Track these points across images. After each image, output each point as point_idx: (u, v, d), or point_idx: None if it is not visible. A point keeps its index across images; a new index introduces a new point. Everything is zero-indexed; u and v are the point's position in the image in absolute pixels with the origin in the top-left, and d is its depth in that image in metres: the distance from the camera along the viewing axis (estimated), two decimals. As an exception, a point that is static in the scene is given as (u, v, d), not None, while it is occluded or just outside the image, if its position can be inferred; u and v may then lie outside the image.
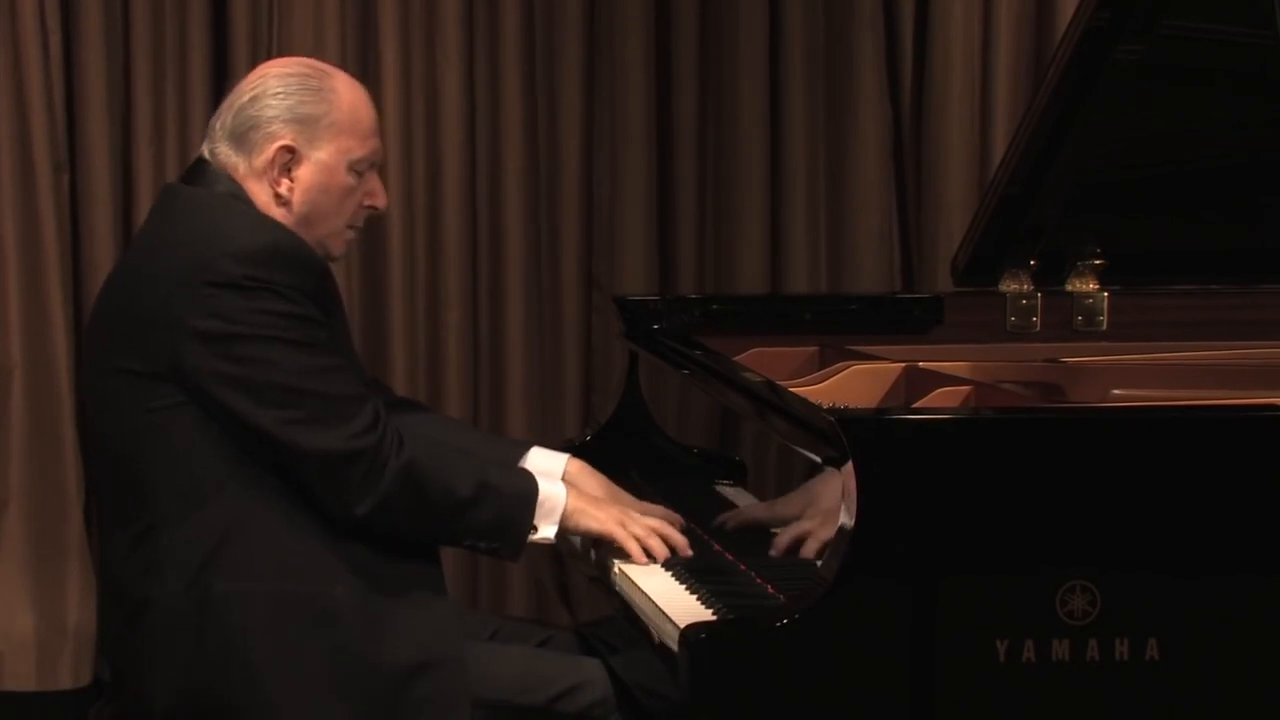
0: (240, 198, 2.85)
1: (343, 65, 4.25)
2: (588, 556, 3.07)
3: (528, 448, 3.20)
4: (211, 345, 2.73)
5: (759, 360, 3.48)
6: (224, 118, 2.90)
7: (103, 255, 4.57)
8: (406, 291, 4.72)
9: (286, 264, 2.78)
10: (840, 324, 3.77)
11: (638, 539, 2.96)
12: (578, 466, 3.16)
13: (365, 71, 4.62)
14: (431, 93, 4.72)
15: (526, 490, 2.93)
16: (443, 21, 4.70)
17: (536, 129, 4.79)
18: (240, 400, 2.74)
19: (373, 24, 4.67)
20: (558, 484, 2.98)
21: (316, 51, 4.43)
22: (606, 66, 4.83)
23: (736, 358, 3.40)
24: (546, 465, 3.15)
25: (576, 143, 4.82)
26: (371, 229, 4.62)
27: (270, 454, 2.78)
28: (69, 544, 4.61)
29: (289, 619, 2.77)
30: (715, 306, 3.87)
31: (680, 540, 2.99)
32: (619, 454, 3.63)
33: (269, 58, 4.55)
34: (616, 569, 2.95)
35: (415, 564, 2.89)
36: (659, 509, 3.14)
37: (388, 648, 2.80)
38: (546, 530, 2.94)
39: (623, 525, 2.98)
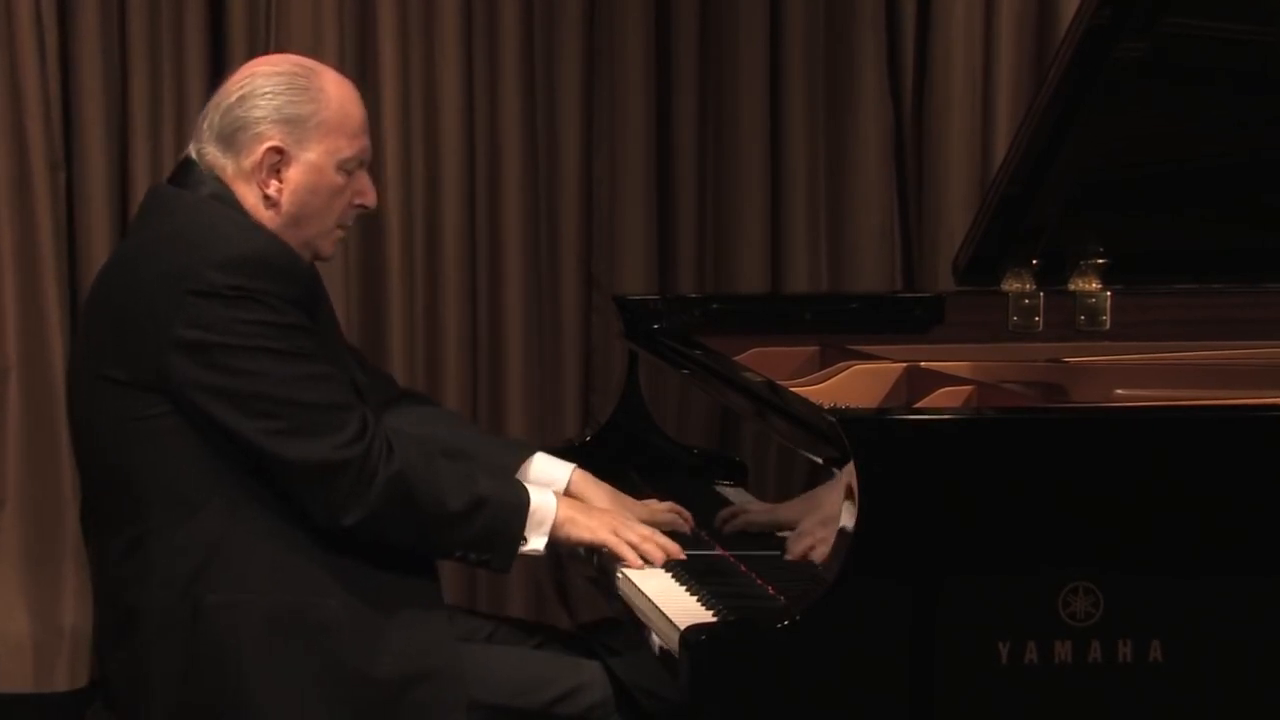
0: (226, 200, 2.83)
1: (340, 64, 4.26)
2: (589, 560, 3.06)
3: (532, 452, 3.18)
4: (195, 356, 2.71)
5: (759, 360, 3.47)
6: (211, 118, 2.87)
7: (99, 254, 4.56)
8: (405, 291, 4.70)
9: (271, 272, 2.74)
10: (841, 324, 3.76)
11: (633, 545, 2.94)
12: (581, 475, 3.14)
13: (363, 71, 4.61)
14: (430, 92, 4.70)
15: (518, 501, 2.89)
16: (441, 20, 4.68)
17: (536, 128, 4.78)
18: (225, 411, 2.71)
19: (371, 23, 4.66)
20: (547, 494, 2.94)
21: (314, 51, 4.41)
22: (606, 66, 4.81)
23: (737, 358, 3.39)
24: (551, 473, 3.14)
25: (576, 143, 4.81)
26: (370, 228, 4.61)
27: (257, 465, 2.75)
28: (65, 545, 4.60)
29: (281, 631, 2.75)
30: (715, 306, 3.86)
31: (674, 547, 2.97)
32: (619, 454, 3.62)
33: (266, 55, 4.54)
34: (620, 573, 2.94)
35: (410, 575, 2.86)
36: (665, 506, 3.13)
37: (381, 660, 2.77)
38: (536, 542, 2.91)
39: (615, 533, 2.95)
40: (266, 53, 4.54)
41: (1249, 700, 2.66)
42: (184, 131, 4.58)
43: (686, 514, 3.15)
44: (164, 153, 4.59)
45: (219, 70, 4.59)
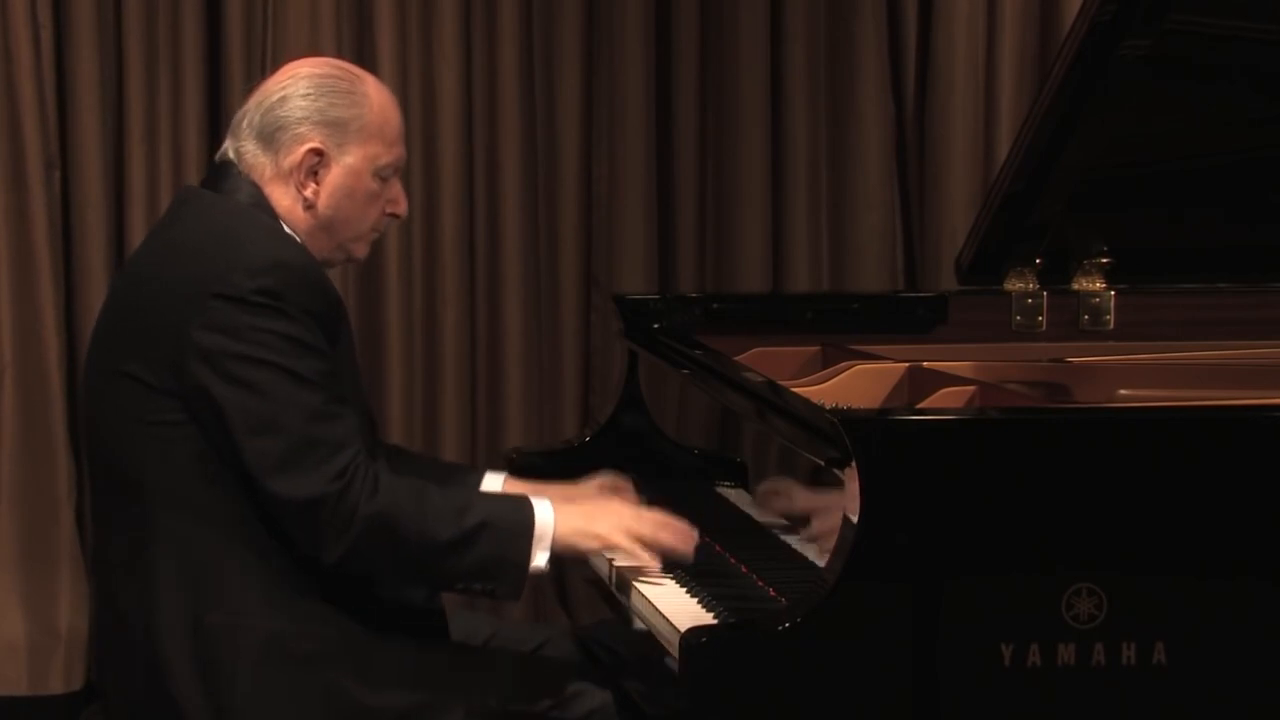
0: (262, 207, 2.81)
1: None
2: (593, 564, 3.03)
3: (479, 476, 3.15)
4: (210, 360, 2.68)
5: (761, 360, 3.45)
6: (251, 116, 2.84)
7: (94, 254, 4.55)
8: (404, 291, 4.70)
9: (298, 284, 2.72)
10: (843, 323, 3.75)
11: (648, 540, 2.85)
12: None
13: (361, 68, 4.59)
14: (429, 90, 4.69)
15: (519, 524, 2.78)
16: (440, 18, 4.68)
17: (535, 127, 4.77)
18: (224, 420, 2.69)
19: (369, 20, 4.65)
20: (544, 506, 2.81)
21: (311, 49, 4.40)
22: (606, 65, 4.80)
23: (738, 357, 3.37)
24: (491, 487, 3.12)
25: (575, 142, 4.80)
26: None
27: (248, 485, 2.71)
28: (60, 546, 4.59)
29: (278, 657, 2.72)
30: (715, 306, 3.84)
31: (685, 527, 2.88)
32: (618, 454, 3.61)
33: (263, 54, 4.54)
34: (634, 588, 2.86)
35: (411, 603, 2.84)
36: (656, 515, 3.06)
37: (379, 690, 2.74)
38: (538, 560, 2.79)
39: (629, 532, 2.84)
40: (263, 51, 4.54)
41: (1252, 702, 2.65)
42: (181, 129, 4.58)
43: (690, 532, 2.97)
44: (160, 151, 4.58)
45: (216, 68, 4.59)
